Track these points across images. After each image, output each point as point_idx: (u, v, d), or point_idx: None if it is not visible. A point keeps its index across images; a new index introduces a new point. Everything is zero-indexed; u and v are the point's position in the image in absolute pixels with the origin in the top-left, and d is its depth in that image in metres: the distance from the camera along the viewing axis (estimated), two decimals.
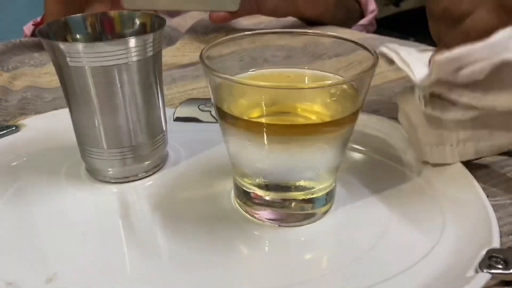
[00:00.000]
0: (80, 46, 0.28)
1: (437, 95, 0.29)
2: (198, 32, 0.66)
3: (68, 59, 0.29)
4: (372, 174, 0.34)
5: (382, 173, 0.34)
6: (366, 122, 0.37)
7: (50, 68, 0.57)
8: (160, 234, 0.30)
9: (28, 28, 0.78)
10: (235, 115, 0.26)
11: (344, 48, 0.31)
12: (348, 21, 0.76)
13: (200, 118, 0.42)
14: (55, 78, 0.55)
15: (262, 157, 0.27)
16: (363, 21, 0.78)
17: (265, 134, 0.25)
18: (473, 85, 0.28)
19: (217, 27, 0.66)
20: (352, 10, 0.79)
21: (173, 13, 0.80)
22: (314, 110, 0.28)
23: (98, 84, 0.30)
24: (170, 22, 0.74)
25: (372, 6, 0.81)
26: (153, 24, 0.33)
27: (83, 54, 0.28)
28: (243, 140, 0.27)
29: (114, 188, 0.34)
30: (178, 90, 0.48)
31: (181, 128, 0.41)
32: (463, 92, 0.28)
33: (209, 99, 0.44)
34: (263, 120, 0.25)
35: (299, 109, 0.28)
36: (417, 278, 0.25)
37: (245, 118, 0.26)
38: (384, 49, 0.32)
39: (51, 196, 0.33)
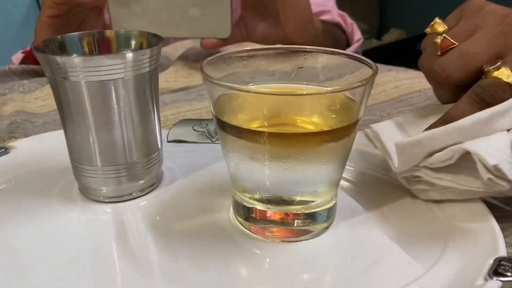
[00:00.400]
0: (77, 59, 0.28)
1: (417, 177, 0.30)
2: (189, 59, 0.66)
3: (64, 73, 0.28)
4: (372, 190, 0.34)
5: (382, 189, 0.34)
6: (363, 141, 0.37)
7: (40, 93, 0.57)
8: (157, 255, 0.28)
9: (16, 58, 0.78)
10: (236, 125, 0.25)
11: (336, 71, 0.31)
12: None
13: (195, 139, 0.42)
14: (46, 103, 0.55)
15: (263, 168, 0.26)
16: (349, 50, 0.80)
17: (266, 144, 0.25)
18: (451, 168, 0.29)
19: (208, 54, 0.67)
20: (338, 38, 0.81)
21: (163, 42, 0.81)
22: (313, 121, 0.28)
23: (94, 100, 0.30)
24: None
25: (358, 35, 0.84)
26: (150, 42, 0.34)
27: (80, 68, 0.28)
28: (244, 151, 0.26)
29: (108, 208, 0.33)
30: (172, 112, 0.48)
31: (176, 148, 0.41)
32: (444, 176, 0.29)
33: (203, 119, 0.44)
34: (264, 129, 0.25)
35: (298, 121, 0.28)
36: None
37: (247, 127, 0.25)
38: (369, 133, 0.33)
39: (43, 217, 0.32)
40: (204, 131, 0.43)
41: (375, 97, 0.51)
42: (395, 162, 0.30)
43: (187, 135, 0.42)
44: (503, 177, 0.26)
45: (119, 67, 0.29)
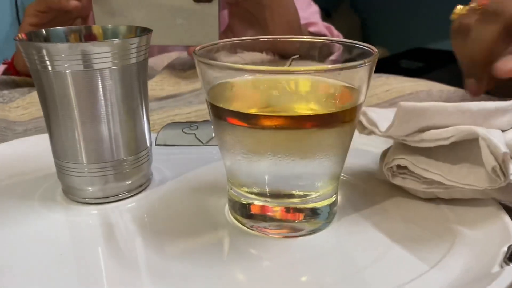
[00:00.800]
0: (63, 46, 0.27)
1: (403, 168, 0.29)
2: (175, 68, 0.65)
3: (48, 62, 0.27)
4: (372, 188, 0.32)
5: (386, 186, 0.33)
6: (365, 140, 0.36)
7: (22, 102, 0.54)
8: (147, 259, 0.26)
9: None
10: (235, 110, 0.24)
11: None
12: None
13: (185, 142, 0.40)
14: (27, 112, 0.53)
15: (262, 158, 0.25)
16: (332, 57, 0.80)
17: (266, 129, 0.24)
18: (439, 157, 0.28)
19: (194, 63, 0.66)
20: None
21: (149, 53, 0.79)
22: (311, 108, 0.26)
23: (79, 91, 0.28)
24: None
25: None
26: (139, 35, 0.32)
27: (65, 56, 0.26)
28: (242, 140, 0.25)
29: (93, 209, 0.31)
30: (159, 116, 0.47)
31: (165, 151, 0.39)
32: (430, 167, 0.28)
33: (193, 122, 0.43)
34: (264, 112, 0.24)
35: (296, 109, 0.26)
36: (435, 283, 0.23)
37: (246, 112, 0.24)
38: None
39: (25, 220, 0.29)
40: (194, 134, 0.41)
41: (367, 100, 0.50)
42: (381, 127, 0.29)
43: (176, 138, 0.41)
44: (504, 171, 0.25)
45: (106, 56, 0.27)
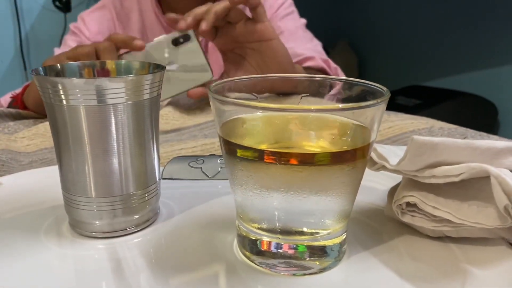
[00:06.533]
0: (78, 81, 0.27)
1: (412, 205, 0.30)
2: (180, 102, 0.66)
3: (63, 96, 0.27)
4: (383, 224, 0.33)
5: (393, 223, 0.33)
6: (372, 177, 0.36)
7: (27, 133, 0.55)
8: None
9: (5, 100, 0.77)
10: (248, 146, 0.24)
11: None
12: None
13: (191, 176, 0.40)
14: (32, 143, 0.53)
15: (273, 194, 0.25)
16: (333, 91, 0.81)
17: (278, 165, 0.24)
18: (449, 195, 0.28)
19: (197, 100, 0.67)
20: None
21: None
22: (321, 146, 0.27)
23: (92, 126, 0.28)
24: None
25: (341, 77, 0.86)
26: (152, 72, 0.33)
27: (80, 90, 0.27)
28: (254, 175, 0.25)
29: (100, 244, 0.30)
30: (165, 150, 0.47)
31: (172, 185, 0.39)
32: (438, 203, 0.28)
33: (199, 156, 0.43)
34: (277, 149, 0.24)
35: (305, 146, 0.27)
36: None
37: (259, 147, 0.24)
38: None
39: (31, 254, 0.29)
40: (201, 168, 0.41)
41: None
42: (391, 161, 0.29)
43: (183, 172, 0.41)
44: None
45: (120, 91, 0.28)
